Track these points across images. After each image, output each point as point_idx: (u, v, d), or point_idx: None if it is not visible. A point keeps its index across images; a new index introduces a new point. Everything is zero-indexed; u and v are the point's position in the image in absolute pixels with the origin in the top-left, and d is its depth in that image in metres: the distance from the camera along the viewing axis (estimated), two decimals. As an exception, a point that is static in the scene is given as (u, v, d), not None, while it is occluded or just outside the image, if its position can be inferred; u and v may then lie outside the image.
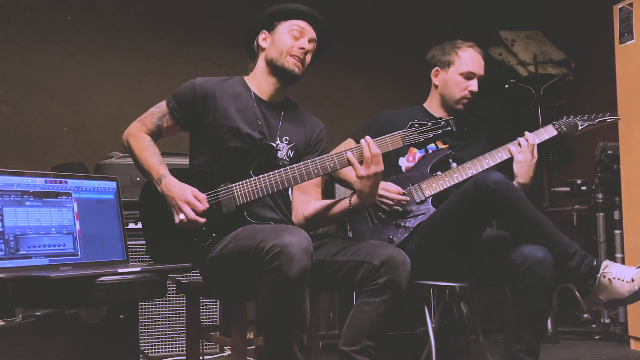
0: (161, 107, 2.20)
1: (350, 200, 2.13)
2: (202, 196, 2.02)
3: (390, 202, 2.38)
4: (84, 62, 3.82)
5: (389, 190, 2.38)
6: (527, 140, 2.40)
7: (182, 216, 1.99)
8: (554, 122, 2.46)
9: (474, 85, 2.55)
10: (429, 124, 2.06)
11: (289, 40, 2.18)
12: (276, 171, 2.05)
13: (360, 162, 2.01)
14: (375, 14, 4.60)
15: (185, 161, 2.83)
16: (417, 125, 2.06)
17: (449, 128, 2.06)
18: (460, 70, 2.55)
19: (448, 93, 2.59)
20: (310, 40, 2.21)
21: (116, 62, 3.90)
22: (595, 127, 2.47)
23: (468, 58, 2.56)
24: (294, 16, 2.21)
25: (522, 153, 2.38)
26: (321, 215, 2.24)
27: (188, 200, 1.99)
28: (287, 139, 2.24)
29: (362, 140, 2.02)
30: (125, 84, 3.91)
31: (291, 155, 2.24)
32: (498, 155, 2.44)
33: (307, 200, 2.27)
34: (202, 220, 1.99)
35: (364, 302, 1.98)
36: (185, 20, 4.09)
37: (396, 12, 4.63)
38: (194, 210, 1.98)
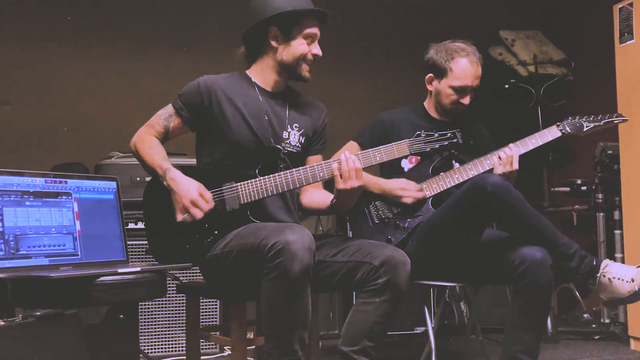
0: (167, 108, 2.20)
1: (332, 200, 2.15)
2: (209, 195, 2.03)
3: (411, 199, 2.42)
4: (84, 62, 3.82)
5: (406, 189, 2.43)
6: (506, 153, 2.36)
7: (187, 216, 2.00)
8: (558, 123, 2.42)
9: (465, 99, 2.52)
10: (436, 134, 2.08)
11: (305, 47, 2.16)
12: (282, 173, 2.06)
13: (340, 176, 2.01)
14: (376, 12, 4.60)
15: (186, 161, 2.84)
16: (423, 135, 2.08)
17: (455, 140, 2.08)
18: (452, 83, 2.50)
19: (440, 102, 2.56)
20: (318, 41, 2.21)
21: (116, 62, 3.90)
22: (602, 129, 2.42)
23: (460, 72, 2.48)
24: (308, 16, 2.16)
25: (502, 165, 2.35)
26: (313, 210, 2.30)
27: (194, 199, 2.00)
28: (297, 126, 2.25)
29: (342, 155, 2.02)
30: (125, 84, 3.91)
31: (302, 141, 2.25)
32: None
33: (307, 188, 2.28)
34: (201, 216, 2.00)
35: (364, 302, 1.98)
36: (185, 20, 4.09)
37: (397, 11, 4.63)
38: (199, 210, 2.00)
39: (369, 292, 1.96)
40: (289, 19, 2.14)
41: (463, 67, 2.49)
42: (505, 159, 2.35)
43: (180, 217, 2.01)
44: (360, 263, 1.98)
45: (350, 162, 2.00)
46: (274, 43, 2.18)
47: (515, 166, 2.35)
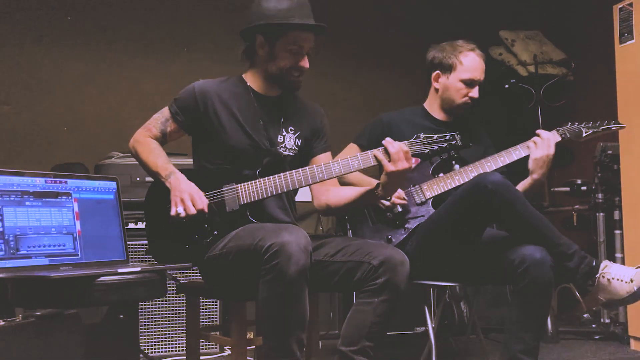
0: (164, 112, 2.21)
1: (376, 191, 2.13)
2: (205, 199, 2.03)
3: (387, 204, 2.39)
4: (84, 62, 3.83)
5: None
6: (542, 136, 2.37)
7: (180, 209, 1.99)
8: (558, 128, 2.43)
9: (475, 92, 2.53)
10: (434, 136, 2.08)
11: (288, 59, 2.12)
12: (281, 174, 2.06)
13: (388, 160, 2.03)
14: (376, 13, 4.60)
15: (186, 161, 2.83)
16: (422, 137, 2.09)
17: (455, 142, 2.08)
18: (462, 76, 2.51)
19: (448, 98, 2.56)
20: (308, 52, 2.15)
21: (116, 62, 3.90)
22: (600, 135, 2.43)
23: (470, 64, 2.51)
24: (296, 30, 2.10)
25: (540, 148, 2.35)
26: (348, 205, 2.24)
27: (190, 193, 2.00)
28: (293, 128, 2.25)
29: (387, 139, 2.04)
30: (125, 84, 3.91)
31: (299, 143, 2.25)
32: (500, 159, 2.41)
33: (326, 187, 2.28)
34: (194, 211, 1.99)
35: (363, 302, 1.98)
36: (185, 20, 4.09)
37: (397, 12, 4.64)
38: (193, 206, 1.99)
39: (368, 292, 1.96)
40: (275, 30, 2.11)
41: (472, 59, 2.52)
42: (541, 142, 2.35)
43: (173, 210, 2.00)
44: (360, 263, 1.98)
45: (396, 144, 2.02)
46: (260, 52, 2.17)
47: (553, 150, 2.35)
